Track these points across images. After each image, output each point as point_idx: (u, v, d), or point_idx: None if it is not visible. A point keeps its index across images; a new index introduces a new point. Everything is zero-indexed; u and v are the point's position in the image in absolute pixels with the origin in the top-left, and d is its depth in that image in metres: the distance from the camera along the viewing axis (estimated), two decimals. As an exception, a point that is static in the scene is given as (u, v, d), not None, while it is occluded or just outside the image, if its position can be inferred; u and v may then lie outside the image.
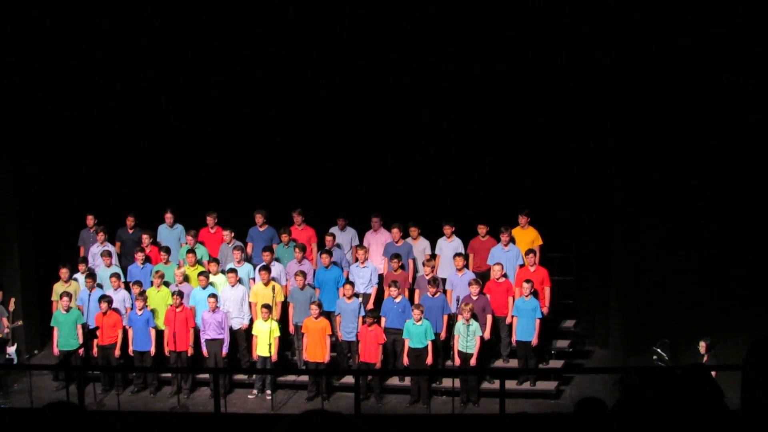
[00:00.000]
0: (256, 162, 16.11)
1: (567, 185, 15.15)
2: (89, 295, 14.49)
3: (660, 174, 13.77)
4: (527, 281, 13.82)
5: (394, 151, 15.73)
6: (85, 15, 15.71)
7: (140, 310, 14.22)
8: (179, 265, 15.04)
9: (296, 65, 15.74)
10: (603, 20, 14.30)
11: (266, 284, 14.30)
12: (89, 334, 13.92)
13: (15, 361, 14.84)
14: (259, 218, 15.34)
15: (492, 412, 12.61)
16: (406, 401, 13.80)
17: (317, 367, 13.80)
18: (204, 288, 14.32)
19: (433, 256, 14.68)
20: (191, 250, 14.96)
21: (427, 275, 14.11)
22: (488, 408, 13.29)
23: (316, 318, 13.80)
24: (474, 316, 13.49)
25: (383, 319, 13.90)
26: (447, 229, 14.70)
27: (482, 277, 14.27)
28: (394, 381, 14.27)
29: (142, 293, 14.31)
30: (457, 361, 13.64)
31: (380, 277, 14.81)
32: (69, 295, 14.39)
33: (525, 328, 13.82)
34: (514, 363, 14.21)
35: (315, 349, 13.77)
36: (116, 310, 14.35)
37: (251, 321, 14.37)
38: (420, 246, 14.90)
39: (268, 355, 13.90)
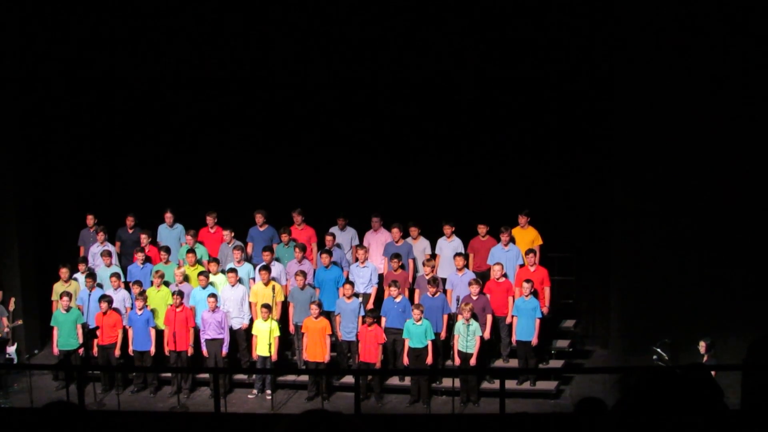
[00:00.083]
0: (256, 162, 16.10)
1: (567, 185, 15.15)
2: (89, 294, 14.48)
3: (660, 174, 13.78)
4: (527, 281, 13.82)
5: (394, 151, 15.74)
6: (85, 15, 15.71)
7: (140, 309, 14.22)
8: (179, 264, 15.04)
9: (296, 65, 15.74)
10: (603, 20, 14.30)
11: (266, 284, 14.30)
12: (89, 333, 13.91)
13: (15, 361, 14.84)
14: (259, 218, 15.34)
15: (492, 412, 12.61)
16: (406, 401, 13.80)
17: (317, 367, 13.80)
18: (204, 288, 14.32)
19: (433, 256, 14.68)
20: (191, 250, 14.96)
21: (427, 275, 14.11)
22: (488, 408, 13.29)
23: (316, 318, 13.80)
24: (474, 316, 13.49)
25: (383, 319, 13.90)
26: (447, 229, 14.70)
27: (482, 276, 14.27)
28: (394, 381, 14.27)
29: (142, 293, 14.31)
30: (457, 361, 13.64)
31: (380, 276, 14.80)
32: (69, 294, 14.38)
33: (525, 328, 13.82)
34: (514, 363, 14.21)
35: (315, 349, 13.77)
36: (116, 310, 14.35)
37: (251, 321, 14.36)
38: (420, 246, 14.90)
39: (268, 354, 13.91)
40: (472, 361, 13.45)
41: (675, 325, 13.52)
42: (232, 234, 15.25)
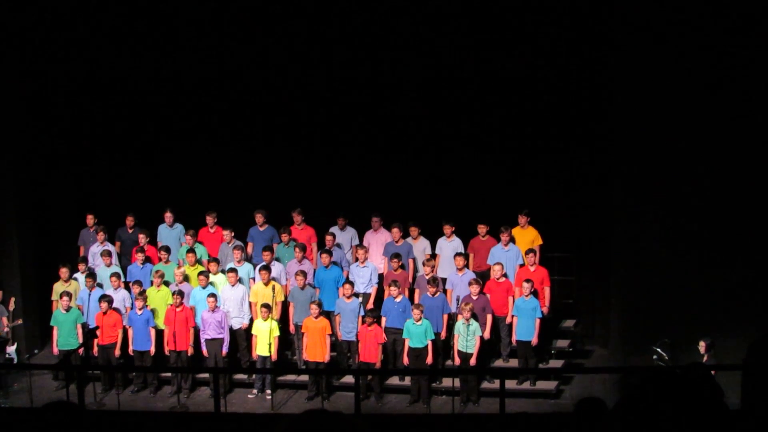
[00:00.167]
0: (256, 162, 16.11)
1: (567, 185, 15.15)
2: (89, 294, 14.49)
3: (660, 174, 13.78)
4: (527, 281, 13.82)
5: (394, 151, 15.73)
6: (85, 14, 15.71)
7: (140, 309, 14.23)
8: (179, 264, 15.05)
9: (296, 64, 15.74)
10: (603, 19, 14.29)
11: (266, 284, 14.30)
12: (89, 333, 13.91)
13: (15, 361, 14.84)
14: (259, 218, 15.34)
15: (492, 412, 12.61)
16: (406, 401, 13.80)
17: (317, 366, 13.80)
18: (204, 287, 14.32)
19: (433, 256, 14.68)
20: (191, 250, 14.96)
21: (427, 275, 14.11)
22: (488, 408, 13.29)
23: (316, 318, 13.81)
24: (474, 316, 13.49)
25: (384, 319, 13.91)
26: (447, 229, 14.71)
27: (482, 276, 14.27)
28: (394, 381, 14.27)
29: (142, 293, 14.31)
30: (457, 361, 13.64)
31: (380, 276, 14.81)
32: (69, 294, 14.38)
33: (525, 328, 13.82)
34: (514, 363, 14.21)
35: (315, 349, 13.77)
36: (116, 310, 14.35)
37: (251, 321, 14.36)
38: (420, 246, 14.90)
39: (267, 354, 13.91)
40: (472, 361, 13.45)
41: (675, 325, 13.51)
42: (232, 234, 15.25)
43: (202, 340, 14.17)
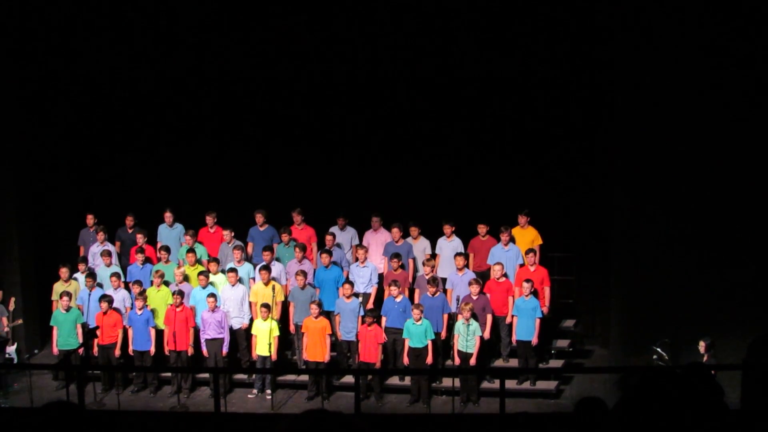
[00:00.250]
0: (256, 162, 16.11)
1: (567, 185, 15.15)
2: (89, 294, 14.49)
3: (660, 174, 13.77)
4: (527, 281, 13.83)
5: (394, 151, 15.74)
6: (85, 15, 15.70)
7: (140, 309, 14.23)
8: (179, 264, 15.05)
9: (296, 64, 15.73)
10: (603, 18, 14.29)
11: (266, 284, 14.30)
12: (89, 333, 13.91)
13: (15, 361, 14.84)
14: (259, 218, 15.34)
15: (492, 412, 12.61)
16: (406, 401, 13.80)
17: (317, 366, 13.80)
18: (204, 287, 14.32)
19: (433, 256, 14.68)
20: (191, 250, 14.96)
21: (426, 275, 14.11)
22: (488, 407, 13.29)
23: (316, 318, 13.81)
24: (474, 316, 13.49)
25: (384, 319, 13.91)
26: (447, 229, 14.71)
27: (482, 276, 14.27)
28: (394, 381, 14.27)
29: (142, 293, 14.31)
30: (457, 361, 13.64)
31: (380, 276, 14.81)
32: (69, 294, 14.38)
33: (525, 328, 13.83)
34: (514, 362, 14.21)
35: (315, 349, 13.77)
36: (116, 310, 14.35)
37: (251, 320, 14.36)
38: (420, 246, 14.91)
39: (267, 354, 13.91)
40: (472, 361, 13.45)
41: (675, 325, 13.51)
42: (232, 234, 15.25)
43: (202, 340, 14.17)
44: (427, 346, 13.54)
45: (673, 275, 13.71)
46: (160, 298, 14.46)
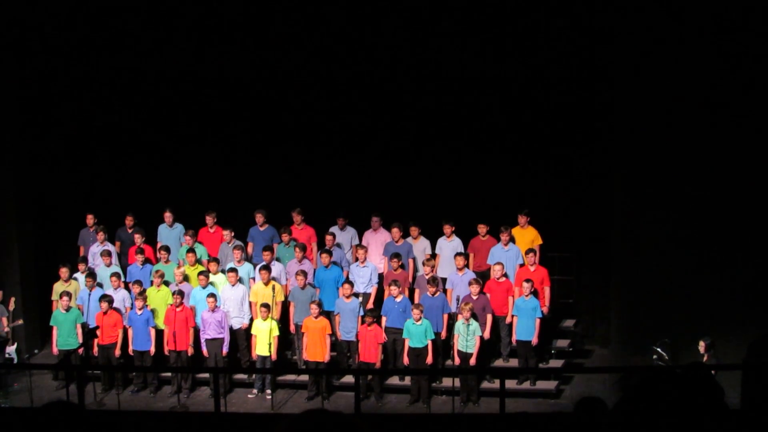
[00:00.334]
0: (256, 162, 16.10)
1: (567, 185, 15.14)
2: (89, 294, 14.49)
3: (660, 174, 13.78)
4: (527, 281, 13.83)
5: (394, 151, 15.73)
6: (85, 14, 15.70)
7: (140, 309, 14.23)
8: (179, 264, 15.05)
9: (296, 64, 15.73)
10: (603, 19, 14.29)
11: (266, 284, 14.30)
12: (89, 333, 13.91)
13: (15, 361, 14.84)
14: (259, 218, 15.34)
15: (492, 412, 12.61)
16: (406, 401, 13.80)
17: (317, 366, 13.80)
18: (204, 287, 14.32)
19: (433, 256, 14.68)
20: (191, 250, 14.96)
21: (426, 275, 14.12)
22: (488, 407, 13.29)
23: (316, 317, 13.80)
24: (474, 316, 13.49)
25: (384, 319, 13.91)
26: (447, 229, 14.71)
27: (482, 276, 14.27)
28: (394, 380, 14.27)
29: (142, 293, 14.31)
30: (457, 361, 13.64)
31: (380, 276, 14.81)
32: (69, 294, 14.38)
33: (525, 328, 13.83)
34: (514, 362, 14.21)
35: (315, 349, 13.77)
36: (116, 310, 14.35)
37: (251, 320, 14.36)
38: (420, 245, 14.91)
39: (267, 354, 13.91)
40: (472, 361, 13.45)
41: (675, 325, 13.51)
42: (232, 234, 15.25)
43: (202, 340, 14.17)
44: (427, 346, 13.54)
45: (673, 275, 13.71)
46: (160, 298, 14.46)
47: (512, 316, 14.01)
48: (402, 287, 13.99)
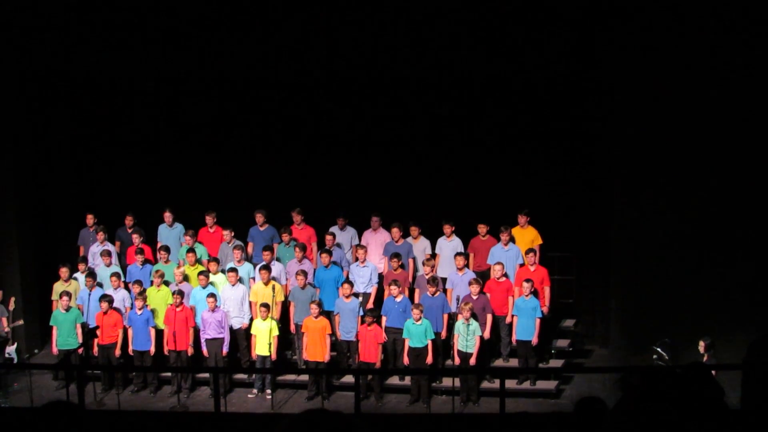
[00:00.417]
0: (256, 162, 16.10)
1: (567, 185, 15.14)
2: (89, 294, 14.49)
3: (660, 174, 13.78)
4: (527, 280, 13.83)
5: (394, 151, 15.72)
6: (85, 14, 15.70)
7: (140, 309, 14.23)
8: (179, 264, 15.05)
9: (296, 64, 15.73)
10: (603, 19, 14.29)
11: (266, 284, 14.30)
12: (89, 333, 13.92)
13: (15, 361, 14.84)
14: (259, 218, 15.34)
15: (492, 412, 12.61)
16: (406, 401, 13.80)
17: (317, 366, 13.80)
18: (204, 287, 14.32)
19: (433, 256, 14.68)
20: (191, 250, 14.96)
21: (426, 275, 14.12)
22: (488, 407, 13.30)
23: (316, 317, 13.81)
24: (474, 316, 13.49)
25: (384, 319, 13.91)
26: (447, 229, 14.71)
27: (482, 276, 14.27)
28: (394, 380, 14.27)
29: (142, 293, 14.32)
30: (457, 361, 13.64)
31: (380, 276, 14.81)
32: (69, 294, 14.38)
33: (525, 328, 13.83)
34: (514, 362, 14.21)
35: (315, 349, 13.77)
36: (117, 310, 14.35)
37: (251, 320, 14.36)
38: (420, 245, 14.91)
39: (267, 354, 13.91)
40: (472, 361, 13.45)
41: (675, 325, 13.51)
42: (232, 233, 15.25)
43: (202, 340, 14.17)
44: (427, 345, 13.54)
45: (673, 275, 13.71)
46: (160, 298, 14.46)
47: (512, 316, 14.01)
48: (402, 287, 13.99)
